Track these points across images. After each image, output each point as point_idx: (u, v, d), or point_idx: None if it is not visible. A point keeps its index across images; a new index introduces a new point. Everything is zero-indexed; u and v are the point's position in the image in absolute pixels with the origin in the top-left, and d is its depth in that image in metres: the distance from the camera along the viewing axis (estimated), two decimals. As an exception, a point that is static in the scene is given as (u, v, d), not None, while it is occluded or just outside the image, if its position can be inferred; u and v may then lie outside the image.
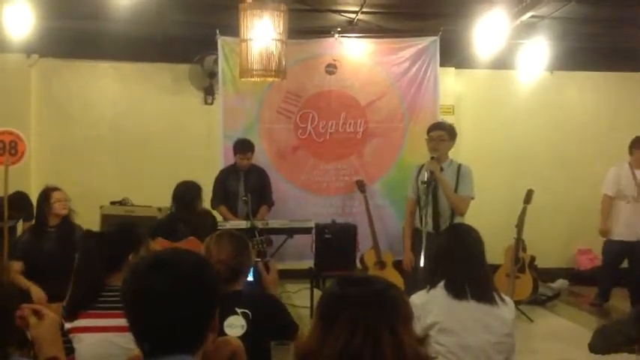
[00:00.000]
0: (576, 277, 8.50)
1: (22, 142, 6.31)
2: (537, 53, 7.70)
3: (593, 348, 3.08)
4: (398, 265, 6.17)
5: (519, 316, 6.57)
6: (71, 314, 2.86)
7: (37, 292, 4.74)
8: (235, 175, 6.68)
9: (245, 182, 6.64)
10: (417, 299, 3.02)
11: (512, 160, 8.66)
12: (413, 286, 5.13)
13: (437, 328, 2.93)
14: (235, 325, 2.67)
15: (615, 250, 7.14)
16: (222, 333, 2.58)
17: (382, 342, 1.59)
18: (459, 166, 5.47)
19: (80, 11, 6.58)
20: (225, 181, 6.70)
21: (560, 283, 8.30)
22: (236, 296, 2.78)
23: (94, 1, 6.17)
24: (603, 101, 8.87)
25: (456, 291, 2.97)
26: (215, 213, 6.55)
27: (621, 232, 7.06)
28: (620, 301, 7.27)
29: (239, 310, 2.71)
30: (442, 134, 5.47)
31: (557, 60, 7.94)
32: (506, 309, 3.01)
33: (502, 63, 7.94)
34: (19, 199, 6.37)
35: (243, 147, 6.62)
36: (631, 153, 7.13)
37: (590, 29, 7.35)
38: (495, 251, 6.73)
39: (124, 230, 3.17)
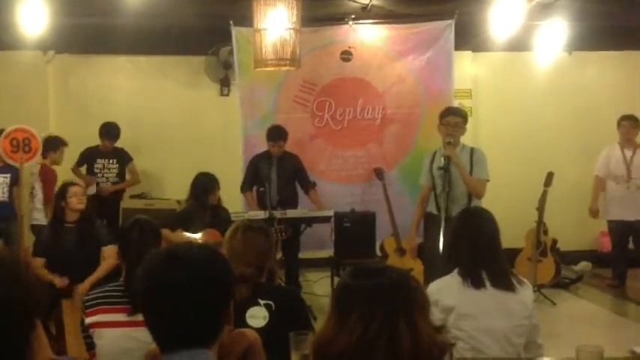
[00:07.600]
0: (599, 259, 8.42)
1: (36, 139, 6.36)
2: (555, 34, 7.56)
3: None
4: (418, 251, 6.13)
5: (542, 300, 6.54)
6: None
7: (59, 280, 4.82)
8: (268, 162, 6.66)
9: (277, 168, 6.64)
10: (434, 285, 3.04)
11: (531, 143, 8.56)
12: (432, 272, 5.12)
13: (455, 313, 2.93)
14: (258, 316, 2.71)
15: (616, 230, 7.23)
16: (244, 324, 2.59)
17: (398, 332, 1.58)
18: (472, 150, 5.41)
19: (95, 6, 6.58)
20: (256, 166, 6.70)
21: (583, 265, 8.25)
22: (258, 288, 2.81)
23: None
24: (623, 81, 8.73)
25: (473, 279, 2.96)
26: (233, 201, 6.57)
27: (619, 212, 7.12)
28: (636, 282, 7.29)
29: (262, 302, 2.74)
30: (459, 121, 5.38)
31: (575, 40, 7.80)
32: (524, 292, 3.00)
33: (519, 45, 7.82)
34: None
35: (275, 135, 6.59)
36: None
37: (607, 8, 7.20)
38: (516, 235, 6.70)
39: None
